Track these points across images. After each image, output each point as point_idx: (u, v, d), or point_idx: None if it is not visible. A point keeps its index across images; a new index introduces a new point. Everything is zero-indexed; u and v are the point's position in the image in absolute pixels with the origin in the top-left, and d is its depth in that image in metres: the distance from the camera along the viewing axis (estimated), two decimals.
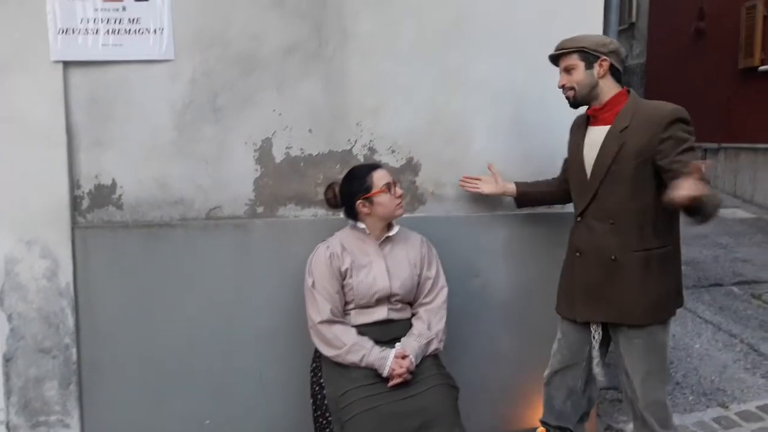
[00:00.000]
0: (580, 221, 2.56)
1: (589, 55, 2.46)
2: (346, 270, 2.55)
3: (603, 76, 2.46)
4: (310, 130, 2.87)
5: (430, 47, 2.90)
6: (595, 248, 2.50)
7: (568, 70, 2.51)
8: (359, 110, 2.89)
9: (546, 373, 2.75)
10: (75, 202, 2.76)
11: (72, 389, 2.81)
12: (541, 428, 2.79)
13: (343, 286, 2.56)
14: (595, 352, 2.60)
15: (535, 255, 3.04)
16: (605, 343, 2.63)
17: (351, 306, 2.58)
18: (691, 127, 2.37)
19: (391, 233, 2.63)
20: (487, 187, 2.91)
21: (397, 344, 2.54)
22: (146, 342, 2.83)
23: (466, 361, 3.01)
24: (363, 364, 2.47)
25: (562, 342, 2.70)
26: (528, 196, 2.90)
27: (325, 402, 2.53)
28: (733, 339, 4.51)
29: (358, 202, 2.56)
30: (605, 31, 2.99)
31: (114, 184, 2.78)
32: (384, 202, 2.56)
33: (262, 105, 2.82)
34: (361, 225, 2.61)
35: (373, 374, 2.48)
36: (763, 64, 8.78)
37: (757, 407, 3.63)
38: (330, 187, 2.75)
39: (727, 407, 3.64)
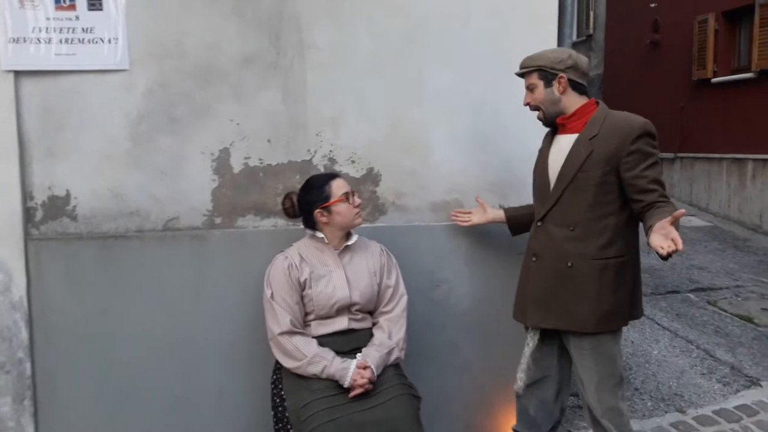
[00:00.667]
0: (540, 226, 2.57)
1: (547, 73, 2.49)
2: (305, 280, 2.54)
3: (563, 93, 2.49)
4: (269, 141, 2.86)
5: (387, 59, 2.92)
6: (552, 254, 2.51)
7: (530, 89, 2.54)
8: (318, 121, 2.89)
9: (516, 385, 2.73)
10: (28, 214, 2.71)
11: (26, 405, 2.74)
12: None
13: (302, 297, 2.55)
14: (525, 358, 2.63)
15: (498, 263, 3.06)
16: (561, 350, 2.65)
17: (311, 317, 2.57)
18: (656, 142, 2.41)
19: (350, 242, 2.63)
20: (477, 218, 2.94)
21: (358, 355, 2.54)
22: (102, 356, 2.78)
23: (429, 371, 3.01)
24: (324, 375, 2.46)
25: (531, 357, 2.69)
26: (517, 220, 2.87)
27: (287, 414, 2.50)
28: (689, 345, 4.60)
29: (317, 211, 2.56)
30: (560, 43, 3.04)
31: (68, 196, 2.73)
32: (342, 211, 2.56)
33: (220, 115, 2.80)
34: (320, 234, 2.61)
35: (335, 385, 2.46)
36: (715, 76, 9.04)
37: (713, 411, 3.70)
38: (288, 196, 2.74)
39: (684, 412, 3.70)
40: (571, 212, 2.47)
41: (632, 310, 2.55)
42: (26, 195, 2.69)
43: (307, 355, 2.46)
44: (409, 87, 2.95)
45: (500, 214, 2.91)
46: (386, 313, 2.66)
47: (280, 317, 2.50)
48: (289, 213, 2.73)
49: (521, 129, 2.97)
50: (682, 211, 2.12)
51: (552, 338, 2.63)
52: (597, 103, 2.54)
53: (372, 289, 2.62)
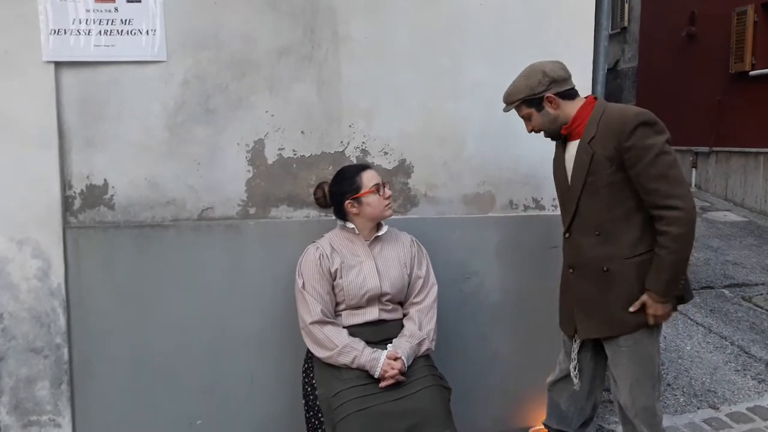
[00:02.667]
0: (569, 237, 2.52)
1: (532, 101, 2.44)
2: (336, 270, 2.56)
3: (557, 108, 2.43)
4: (302, 132, 2.88)
5: (422, 51, 2.91)
6: (586, 262, 2.46)
7: (526, 119, 2.50)
8: (352, 112, 2.90)
9: (549, 378, 2.73)
10: (66, 203, 2.76)
11: (63, 389, 2.81)
12: (543, 430, 2.80)
13: (333, 287, 2.57)
14: (574, 355, 2.58)
15: (529, 256, 3.05)
16: (598, 350, 2.60)
17: (342, 307, 2.59)
18: (659, 127, 2.29)
19: (380, 233, 2.64)
20: None
21: (389, 345, 2.55)
22: (137, 342, 2.84)
23: (459, 362, 3.02)
24: (354, 365, 2.48)
25: (563, 352, 2.69)
26: None
27: (317, 403, 2.53)
28: (723, 341, 4.54)
29: (347, 201, 2.58)
30: (596, 35, 3.00)
31: (106, 185, 2.78)
32: (372, 202, 2.57)
33: (255, 107, 2.83)
34: (351, 225, 2.63)
35: (365, 375, 2.48)
36: (753, 69, 8.84)
37: (748, 408, 3.65)
38: (320, 186, 2.77)
39: (717, 408, 3.65)
40: (592, 218, 2.42)
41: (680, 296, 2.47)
42: (65, 184, 2.75)
43: (338, 345, 2.48)
44: (444, 79, 2.94)
45: None
46: (417, 303, 2.67)
47: (311, 306, 2.52)
48: (321, 203, 2.76)
49: None
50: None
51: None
52: (595, 98, 2.48)
53: (402, 280, 2.63)
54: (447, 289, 2.78)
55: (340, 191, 2.61)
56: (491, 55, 2.94)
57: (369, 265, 2.59)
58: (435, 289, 2.70)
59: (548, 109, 2.43)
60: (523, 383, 3.11)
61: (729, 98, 9.31)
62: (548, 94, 2.41)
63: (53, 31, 2.65)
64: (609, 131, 2.33)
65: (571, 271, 2.53)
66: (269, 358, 2.91)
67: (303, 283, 2.55)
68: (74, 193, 2.77)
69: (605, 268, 2.41)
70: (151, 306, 2.83)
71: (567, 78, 2.45)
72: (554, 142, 2.60)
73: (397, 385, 2.46)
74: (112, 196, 2.79)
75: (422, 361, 2.59)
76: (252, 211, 2.89)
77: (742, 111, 9.00)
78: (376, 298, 2.59)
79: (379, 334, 2.58)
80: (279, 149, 2.87)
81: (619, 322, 2.42)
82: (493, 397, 3.13)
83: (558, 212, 2.89)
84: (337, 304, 2.60)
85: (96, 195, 2.78)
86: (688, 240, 2.27)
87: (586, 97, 2.49)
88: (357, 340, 2.52)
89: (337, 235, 2.66)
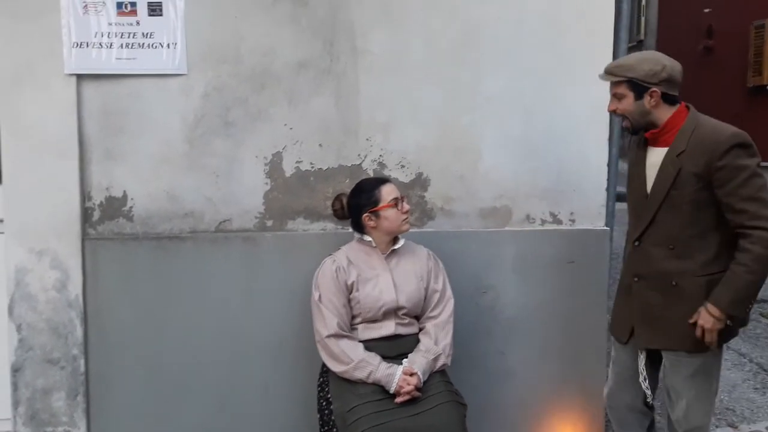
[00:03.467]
0: (638, 246, 2.45)
1: (638, 85, 2.33)
2: (353, 283, 2.55)
3: (655, 106, 2.34)
4: (320, 145, 2.89)
5: (439, 64, 2.91)
6: (655, 273, 2.41)
7: (617, 97, 2.40)
8: (369, 126, 2.90)
9: (605, 391, 2.74)
10: (86, 214, 2.78)
11: (79, 400, 2.81)
12: None
13: (349, 300, 2.56)
14: (642, 367, 2.52)
15: (545, 271, 3.03)
16: (656, 360, 2.57)
17: (358, 320, 2.58)
18: (752, 150, 2.26)
19: (396, 246, 2.64)
20: None
21: (404, 361, 2.53)
22: (154, 354, 2.84)
23: (475, 378, 2.99)
24: (370, 380, 2.46)
25: (615, 363, 2.66)
26: None
27: (332, 417, 2.52)
28: (742, 358, 4.48)
29: (365, 215, 2.57)
30: (615, 48, 2.99)
31: (125, 197, 2.80)
32: (390, 216, 2.56)
33: (274, 120, 2.84)
34: (368, 238, 2.62)
35: (381, 390, 2.46)
36: None
37: (767, 428, 3.59)
38: (338, 198, 2.79)
39: (736, 427, 3.61)
40: (668, 231, 2.36)
41: (742, 320, 2.42)
42: (84, 195, 2.77)
43: (354, 360, 2.47)
44: (462, 93, 2.93)
45: None
46: (433, 318, 2.66)
47: (327, 320, 2.51)
48: (339, 214, 2.77)
49: (573, 135, 2.94)
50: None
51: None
52: (687, 107, 2.41)
53: (419, 293, 2.62)
54: (463, 303, 2.77)
55: (358, 204, 2.60)
56: (508, 68, 2.93)
57: (386, 278, 2.59)
58: (451, 303, 2.69)
59: (646, 101, 2.34)
60: (539, 399, 3.08)
61: (746, 111, 9.26)
62: (656, 88, 2.32)
63: (75, 44, 2.68)
64: (701, 148, 2.27)
65: (636, 279, 2.48)
66: (285, 371, 2.91)
67: (319, 295, 2.55)
68: (93, 204, 2.79)
69: (674, 283, 2.37)
70: (167, 318, 2.84)
71: (678, 83, 2.37)
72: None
73: (412, 400, 2.44)
74: (131, 207, 2.81)
75: (438, 376, 2.57)
76: (269, 223, 2.89)
77: (759, 124, 8.92)
78: (392, 312, 2.57)
79: (395, 348, 2.57)
80: (297, 162, 2.88)
81: (681, 337, 2.37)
82: (509, 413, 3.09)
83: (577, 227, 2.89)
84: (353, 317, 2.59)
85: (115, 207, 2.80)
86: (764, 262, 2.24)
87: (679, 104, 2.40)
88: (373, 354, 2.51)
89: (353, 248, 2.65)
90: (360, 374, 2.46)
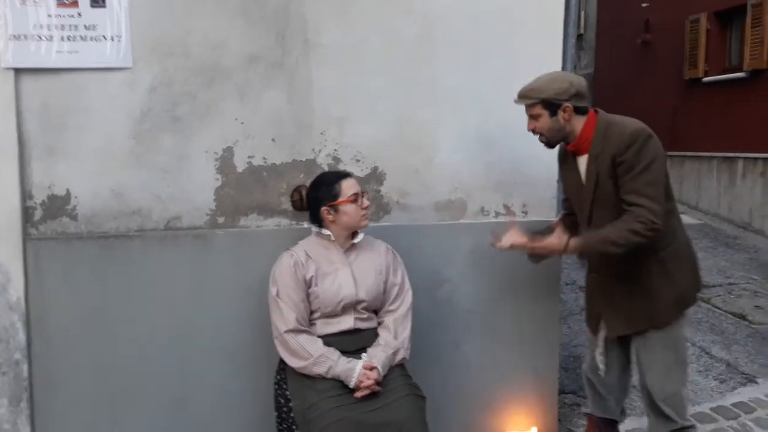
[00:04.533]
0: None
1: (551, 104, 2.50)
2: (311, 278, 2.53)
3: (568, 120, 2.51)
4: (273, 140, 2.84)
5: (394, 58, 2.90)
6: (607, 266, 2.60)
7: (534, 117, 2.56)
8: (324, 120, 2.86)
9: (584, 366, 2.92)
10: (27, 213, 2.67)
11: (23, 407, 2.71)
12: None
13: (308, 295, 2.53)
14: (600, 342, 2.73)
15: (501, 263, 3.04)
16: (626, 336, 2.74)
17: (316, 315, 2.56)
18: (652, 145, 2.43)
19: (356, 240, 2.62)
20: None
21: (364, 355, 2.52)
22: (101, 357, 2.76)
23: (433, 370, 3.01)
24: (330, 375, 2.45)
25: (592, 341, 2.82)
26: None
27: (291, 415, 2.49)
28: (685, 343, 4.61)
29: (323, 208, 2.54)
30: (564, 44, 3.03)
31: (68, 195, 2.70)
32: (350, 211, 2.54)
33: (224, 114, 2.78)
34: (326, 232, 2.59)
35: (340, 385, 2.45)
36: (706, 76, 9.09)
37: (711, 409, 3.72)
38: (297, 189, 2.79)
39: None
40: (604, 226, 2.50)
41: (696, 286, 2.68)
42: (25, 194, 2.66)
43: (313, 355, 2.45)
44: (417, 86, 2.93)
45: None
46: (392, 312, 2.65)
47: (285, 315, 2.48)
48: (297, 206, 2.77)
49: (525, 129, 2.96)
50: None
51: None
52: (596, 111, 2.57)
53: (378, 288, 2.61)
54: (420, 296, 2.77)
55: (317, 197, 2.57)
56: (464, 62, 2.94)
57: (345, 272, 2.57)
58: (410, 296, 2.69)
59: (560, 117, 2.51)
60: (497, 390, 3.12)
61: (683, 104, 9.56)
62: (568, 104, 2.48)
63: (13, 37, 2.56)
64: (610, 146, 2.45)
65: (594, 275, 2.70)
66: (240, 371, 2.85)
67: (277, 290, 2.51)
68: (35, 203, 2.68)
69: (627, 269, 2.54)
70: (116, 320, 2.75)
71: (585, 95, 2.54)
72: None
73: (373, 395, 2.44)
74: (75, 206, 2.71)
75: (397, 370, 2.58)
76: (221, 220, 2.83)
77: (696, 116, 9.25)
78: (351, 306, 2.56)
79: (354, 343, 2.56)
80: (249, 157, 2.82)
81: (647, 317, 2.57)
82: (467, 405, 3.12)
83: (529, 219, 2.98)
84: (312, 312, 2.56)
85: (58, 205, 2.70)
86: (633, 242, 2.40)
87: (589, 112, 2.56)
88: (332, 349, 2.49)
89: (312, 243, 2.62)
90: (319, 369, 2.45)
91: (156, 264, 2.77)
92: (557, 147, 2.69)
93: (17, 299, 2.67)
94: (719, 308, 5.33)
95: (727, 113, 8.59)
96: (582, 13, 13.34)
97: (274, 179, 2.86)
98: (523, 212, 3.08)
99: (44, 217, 2.70)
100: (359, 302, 2.56)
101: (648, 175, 2.40)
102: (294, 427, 2.48)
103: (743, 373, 4.15)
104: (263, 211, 2.87)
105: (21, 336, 2.68)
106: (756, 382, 4.03)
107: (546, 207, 3.10)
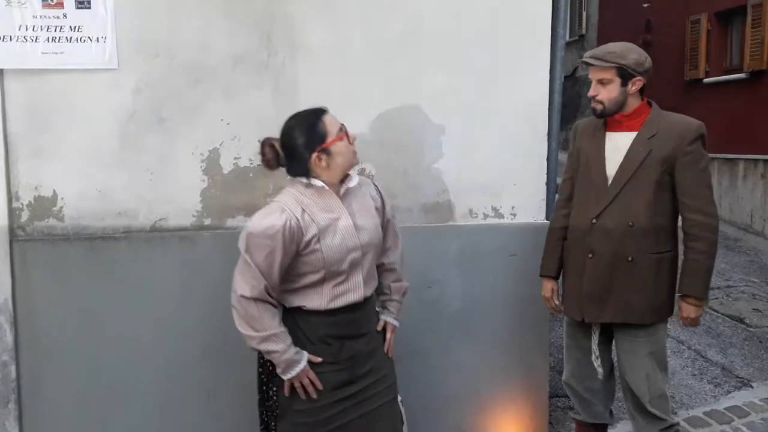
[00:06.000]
0: (596, 224, 2.59)
1: (627, 73, 2.49)
2: (310, 239, 2.16)
3: (633, 93, 2.53)
4: (259, 140, 2.82)
5: (380, 59, 2.89)
6: (611, 249, 2.56)
7: (602, 83, 2.52)
8: None
9: (564, 375, 2.88)
10: (13, 215, 2.68)
11: (11, 408, 2.72)
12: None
13: (304, 256, 2.18)
14: (595, 346, 2.70)
15: (488, 264, 3.05)
16: (608, 339, 2.74)
17: (316, 276, 2.20)
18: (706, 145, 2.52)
19: (351, 184, 2.26)
20: None
21: (382, 315, 2.43)
22: (89, 359, 2.76)
23: (420, 372, 3.00)
24: (271, 357, 2.19)
25: (571, 348, 2.80)
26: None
27: (277, 405, 2.33)
28: (680, 345, 4.60)
29: (314, 155, 2.16)
30: (553, 45, 3.01)
31: (55, 196, 2.70)
32: (343, 150, 2.19)
33: (210, 115, 2.78)
34: (317, 182, 2.20)
35: (333, 383, 2.28)
36: (707, 76, 9.05)
37: (704, 413, 3.70)
38: (267, 144, 2.27)
39: (675, 413, 3.68)
40: (630, 208, 2.52)
41: (672, 304, 2.67)
42: (12, 195, 2.67)
43: (267, 329, 2.15)
44: (402, 87, 2.92)
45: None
46: (391, 249, 2.48)
47: (256, 281, 2.13)
48: (271, 164, 2.28)
49: (513, 130, 2.96)
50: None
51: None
52: (649, 103, 2.60)
53: (378, 231, 2.33)
54: (408, 298, 2.74)
55: (302, 144, 2.17)
56: (450, 63, 2.93)
57: (345, 222, 2.22)
58: (395, 221, 2.52)
59: (629, 89, 2.51)
60: (484, 391, 3.10)
61: (684, 105, 9.47)
62: (640, 77, 2.50)
63: None
64: (671, 133, 2.50)
65: (590, 256, 2.61)
66: (227, 374, 2.84)
67: (253, 252, 2.13)
68: (21, 204, 2.69)
69: (630, 258, 2.53)
70: (103, 321, 2.75)
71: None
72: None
73: (365, 390, 2.31)
74: (62, 207, 2.71)
75: (389, 364, 2.45)
76: (207, 221, 2.83)
77: (696, 117, 9.15)
78: (358, 261, 2.25)
79: (360, 323, 2.31)
80: (235, 158, 2.82)
81: (637, 312, 2.57)
82: (456, 408, 3.10)
83: (518, 221, 2.94)
84: (308, 274, 2.21)
85: (44, 206, 2.70)
86: (716, 246, 2.52)
87: (644, 98, 2.60)
88: (286, 333, 2.19)
89: (304, 195, 2.21)
90: (268, 347, 2.16)
91: (143, 265, 2.77)
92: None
93: (4, 300, 2.67)
94: (716, 311, 5.29)
95: (728, 114, 8.54)
96: (584, 13, 13.33)
97: (260, 180, 2.85)
98: (512, 214, 3.06)
99: (31, 219, 2.70)
100: (365, 252, 2.26)
101: (706, 176, 2.52)
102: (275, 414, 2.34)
103: (738, 377, 4.12)
104: (250, 212, 2.81)
105: (8, 337, 2.69)
106: (751, 386, 4.00)
107: (535, 209, 3.08)
